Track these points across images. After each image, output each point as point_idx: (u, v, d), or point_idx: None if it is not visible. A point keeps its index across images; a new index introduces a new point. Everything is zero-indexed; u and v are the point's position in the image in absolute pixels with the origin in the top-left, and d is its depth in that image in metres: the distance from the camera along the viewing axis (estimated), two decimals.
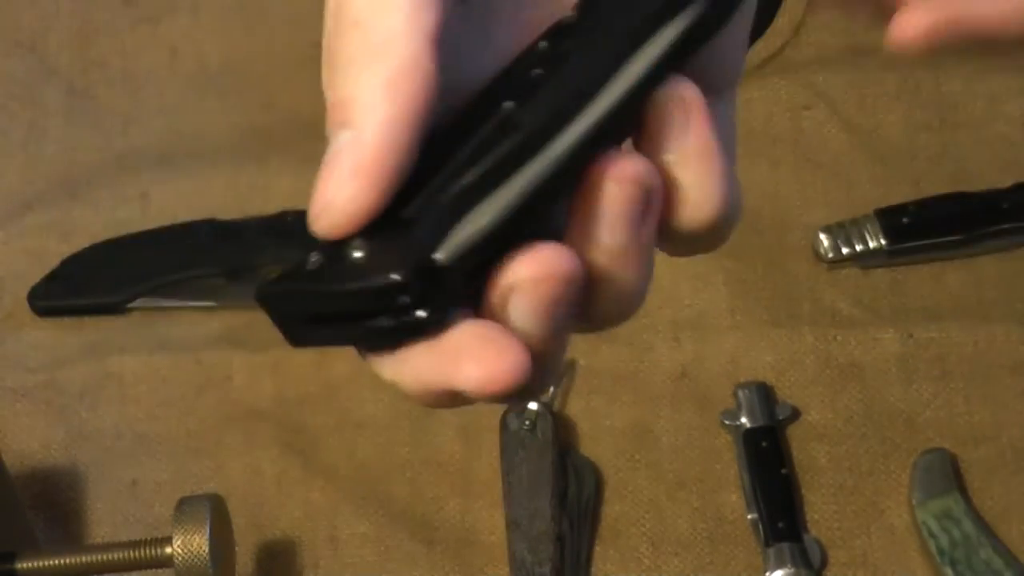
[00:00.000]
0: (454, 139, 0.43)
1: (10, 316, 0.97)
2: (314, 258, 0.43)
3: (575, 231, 0.43)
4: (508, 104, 0.43)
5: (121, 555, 0.79)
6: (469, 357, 0.41)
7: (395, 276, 0.41)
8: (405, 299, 0.41)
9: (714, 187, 0.45)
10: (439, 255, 0.41)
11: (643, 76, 0.44)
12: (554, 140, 0.42)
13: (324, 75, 0.43)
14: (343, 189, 0.42)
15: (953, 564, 0.87)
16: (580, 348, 0.94)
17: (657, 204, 0.43)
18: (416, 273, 0.41)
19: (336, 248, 0.42)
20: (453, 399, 0.43)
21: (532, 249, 0.42)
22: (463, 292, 0.42)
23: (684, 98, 0.44)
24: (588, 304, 0.44)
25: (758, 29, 1.14)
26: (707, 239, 0.46)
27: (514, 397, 0.42)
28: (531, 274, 0.41)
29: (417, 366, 0.42)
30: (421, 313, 0.41)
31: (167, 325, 0.97)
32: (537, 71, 0.44)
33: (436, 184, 0.42)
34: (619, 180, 0.42)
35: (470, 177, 0.42)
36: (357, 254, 0.42)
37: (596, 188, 0.42)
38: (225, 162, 1.01)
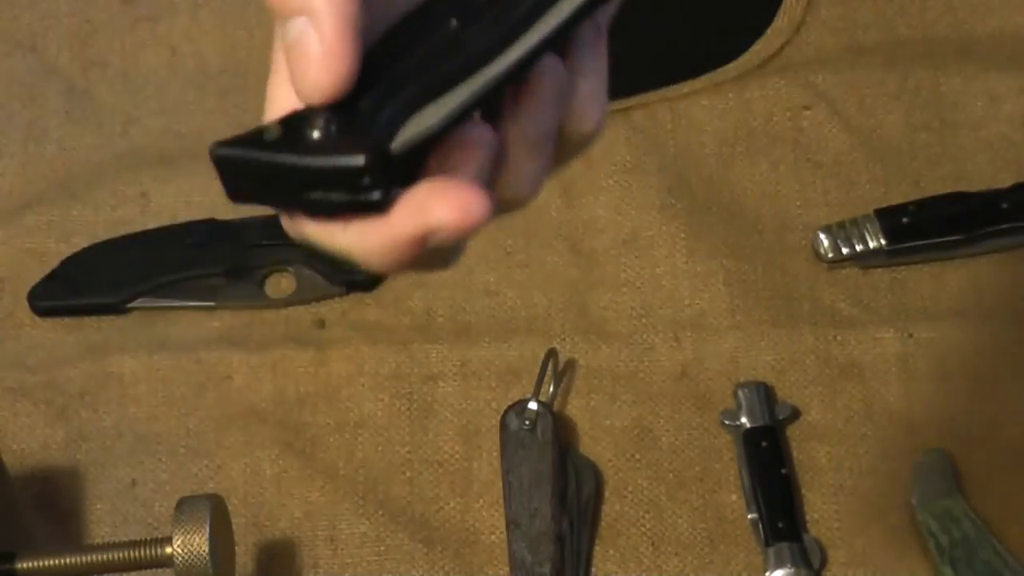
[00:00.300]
0: (403, 44, 0.50)
1: (10, 316, 0.97)
2: (273, 130, 0.49)
3: (507, 116, 0.51)
4: (454, 22, 0.50)
5: (121, 555, 0.79)
6: (438, 201, 0.48)
7: (359, 160, 0.47)
8: (366, 181, 0.48)
9: (602, 100, 0.54)
10: (394, 145, 0.48)
11: (571, 13, 0.51)
12: (492, 62, 0.50)
13: None
14: (323, 64, 0.48)
15: (953, 564, 0.87)
16: (580, 348, 0.95)
17: (566, 100, 0.52)
18: (377, 159, 0.48)
19: (297, 124, 0.48)
20: (418, 254, 0.49)
21: (468, 126, 0.50)
22: (406, 178, 0.49)
23: (599, 27, 0.53)
24: (500, 180, 0.52)
25: (757, 28, 1.15)
26: (579, 148, 0.54)
27: (472, 231, 0.48)
28: (463, 144, 0.50)
29: (386, 225, 0.49)
30: (375, 194, 0.48)
31: (167, 325, 0.97)
32: None
33: (389, 84, 0.49)
34: (550, 73, 0.51)
35: (422, 83, 0.49)
36: (317, 134, 0.48)
37: (532, 78, 0.51)
38: None
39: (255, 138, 0.49)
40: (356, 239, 0.49)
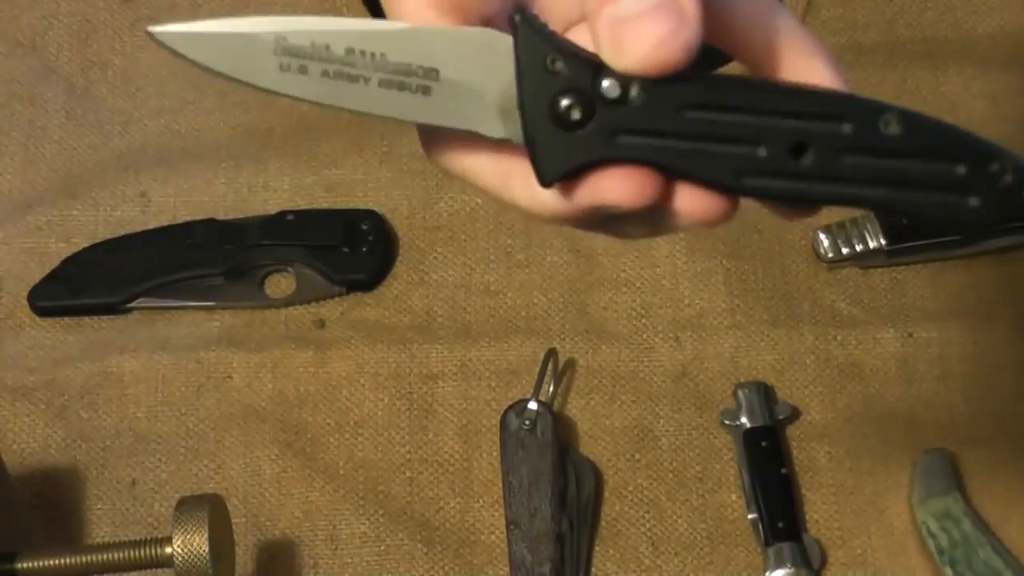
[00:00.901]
0: None
1: (10, 316, 0.97)
2: (560, 63, 0.49)
3: None
4: None
5: (121, 555, 0.79)
6: (611, 182, 0.50)
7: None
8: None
9: None
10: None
11: None
12: None
13: None
14: (679, 33, 0.48)
15: (953, 564, 0.87)
16: (580, 348, 0.95)
17: None
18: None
19: (574, 83, 0.49)
20: (590, 221, 0.52)
21: None
22: None
23: None
24: None
25: None
26: None
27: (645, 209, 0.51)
28: None
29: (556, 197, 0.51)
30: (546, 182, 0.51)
31: (167, 325, 0.97)
32: None
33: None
34: None
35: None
36: (564, 104, 0.50)
37: None
38: (225, 162, 1.01)
39: (548, 47, 0.49)
40: (528, 195, 0.51)
